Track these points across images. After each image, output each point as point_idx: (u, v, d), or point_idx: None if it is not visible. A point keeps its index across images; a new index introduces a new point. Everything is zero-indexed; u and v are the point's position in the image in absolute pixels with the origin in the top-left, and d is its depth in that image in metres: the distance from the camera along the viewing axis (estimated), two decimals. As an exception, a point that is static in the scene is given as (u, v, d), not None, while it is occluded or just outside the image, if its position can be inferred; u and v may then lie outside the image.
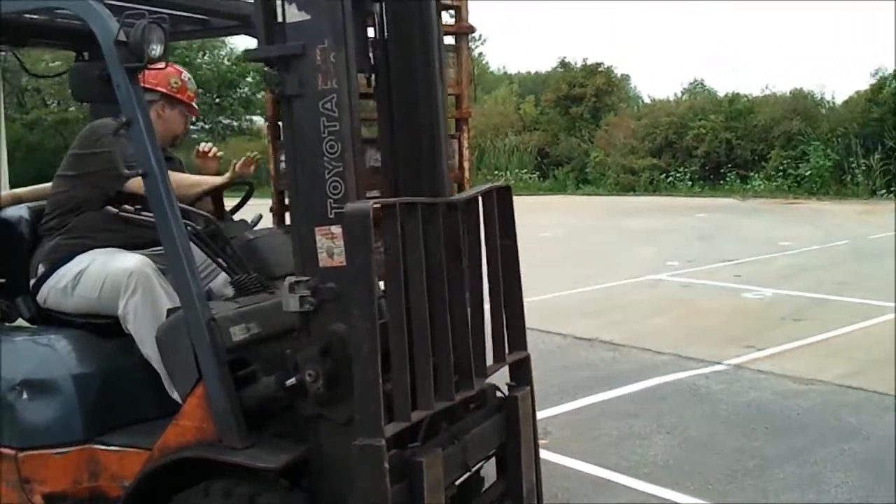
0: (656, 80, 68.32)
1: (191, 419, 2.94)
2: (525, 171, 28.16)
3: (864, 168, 22.36)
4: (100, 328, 3.39)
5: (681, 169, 25.65)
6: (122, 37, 2.84)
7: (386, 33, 3.05)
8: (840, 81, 52.38)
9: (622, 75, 33.60)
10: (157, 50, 2.88)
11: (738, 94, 27.37)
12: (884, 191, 22.03)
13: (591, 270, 11.70)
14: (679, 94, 30.21)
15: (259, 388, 2.91)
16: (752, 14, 49.98)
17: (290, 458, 2.79)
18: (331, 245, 2.75)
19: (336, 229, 2.74)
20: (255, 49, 2.88)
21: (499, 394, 3.30)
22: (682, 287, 10.62)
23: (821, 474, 4.70)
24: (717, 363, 6.92)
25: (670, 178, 25.64)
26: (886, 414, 5.56)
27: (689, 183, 25.25)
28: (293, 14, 2.73)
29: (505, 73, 35.94)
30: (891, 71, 24.02)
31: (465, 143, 5.68)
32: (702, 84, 30.91)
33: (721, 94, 28.49)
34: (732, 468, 4.84)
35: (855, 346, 7.35)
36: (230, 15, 3.73)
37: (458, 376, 2.91)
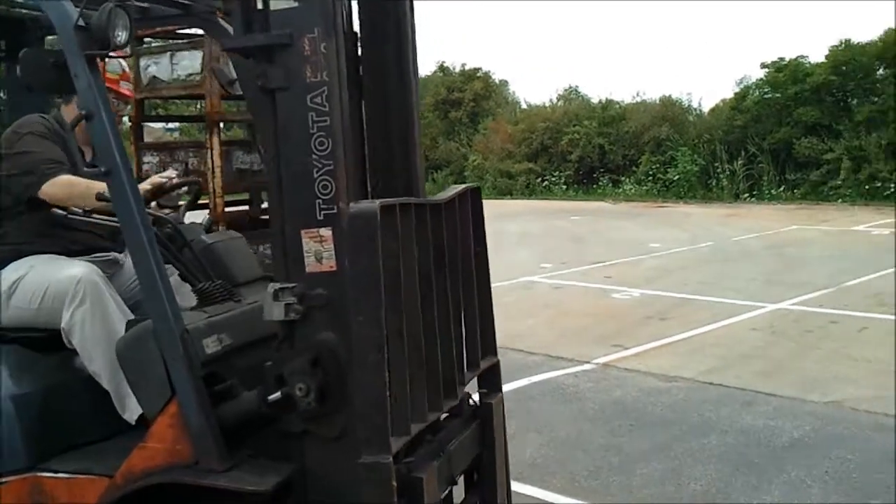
0: (533, 85, 69.49)
1: (161, 440, 2.65)
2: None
3: (728, 173, 23.36)
4: (35, 342, 3.07)
5: (556, 173, 26.22)
6: (81, 21, 2.60)
7: (358, 29, 2.86)
8: (707, 89, 54.42)
9: (500, 80, 34.09)
10: (122, 36, 2.63)
11: (610, 100, 28.20)
12: (746, 194, 23.06)
13: (467, 273, 11.74)
14: (554, 100, 30.84)
15: (238, 404, 2.68)
16: (625, 22, 51.52)
17: (279, 479, 2.55)
18: (319, 249, 2.53)
19: (325, 232, 2.53)
20: (232, 38, 2.64)
21: (471, 401, 3.11)
22: (555, 288, 10.81)
23: (681, 468, 4.83)
24: (586, 362, 7.08)
25: (546, 182, 26.20)
26: (744, 408, 5.78)
27: (564, 187, 25.85)
28: (278, 2, 2.52)
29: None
30: (754, 80, 25.15)
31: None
32: (576, 91, 31.66)
33: (595, 100, 29.28)
34: (598, 465, 4.94)
35: (716, 343, 7.61)
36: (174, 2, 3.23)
37: (443, 385, 2.76)
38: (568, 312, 9.26)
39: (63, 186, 3.07)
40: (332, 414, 2.55)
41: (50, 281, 3.01)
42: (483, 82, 31.18)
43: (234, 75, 2.99)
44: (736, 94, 25.49)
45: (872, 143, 21.52)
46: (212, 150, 5.08)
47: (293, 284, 2.53)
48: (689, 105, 27.19)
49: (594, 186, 25.66)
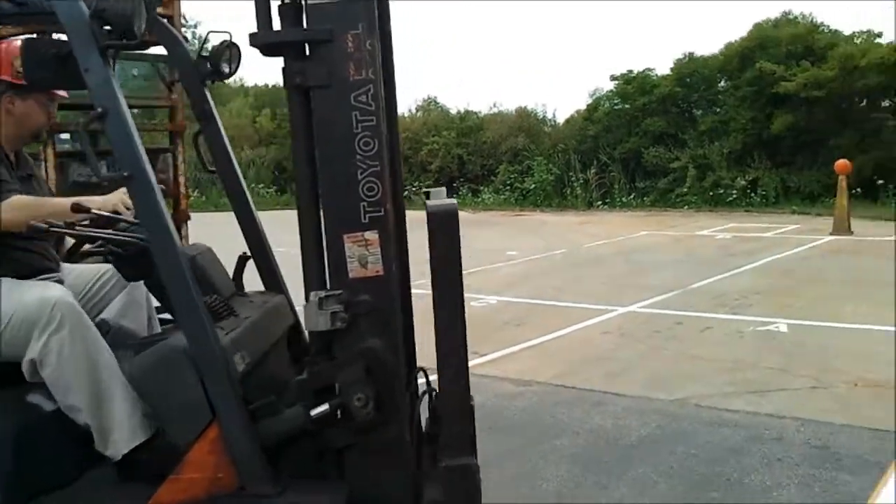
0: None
1: (200, 469, 2.41)
2: (262, 185, 27.82)
3: (581, 181, 24.08)
4: None
5: (416, 183, 26.33)
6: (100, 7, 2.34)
7: None
8: (563, 101, 55.89)
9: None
10: (142, 27, 2.40)
11: (469, 111, 28.63)
12: (599, 202, 23.83)
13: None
14: (414, 111, 31.06)
15: (280, 422, 2.49)
16: (483, 34, 52.37)
17: (341, 499, 2.42)
18: (364, 253, 2.47)
19: (371, 235, 2.46)
20: (262, 33, 2.46)
21: None
22: (415, 298, 10.80)
23: (535, 470, 4.90)
24: (443, 370, 7.07)
25: (406, 192, 26.23)
26: (594, 409, 5.91)
27: (425, 196, 25.95)
28: None
29: (241, 85, 35.22)
30: (605, 91, 26.05)
31: (181, 158, 5.47)
32: (435, 101, 31.98)
33: (453, 111, 29.66)
34: (453, 471, 4.94)
35: (568, 347, 7.78)
36: None
37: None
38: (426, 321, 9.22)
39: (21, 209, 2.71)
40: (384, 424, 2.47)
41: (16, 306, 2.63)
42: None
43: (172, 77, 2.85)
44: (588, 105, 26.33)
45: (715, 152, 22.67)
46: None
47: (338, 291, 2.44)
48: (544, 116, 27.92)
49: (454, 196, 25.93)
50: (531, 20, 54.22)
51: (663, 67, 25.01)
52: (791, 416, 5.53)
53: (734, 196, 21.94)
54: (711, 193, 22.43)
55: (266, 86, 35.03)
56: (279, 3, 2.47)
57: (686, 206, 22.37)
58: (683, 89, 24.17)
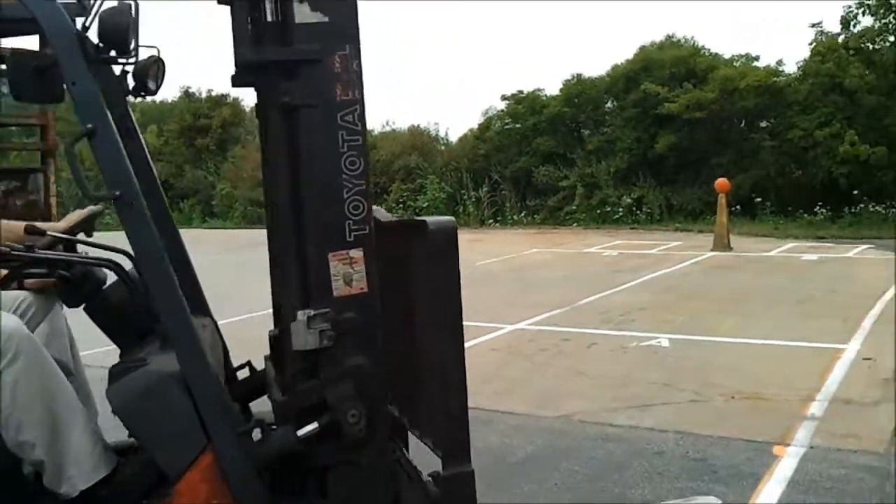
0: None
1: (193, 497, 2.34)
2: (149, 203, 27.12)
3: (474, 199, 24.31)
4: None
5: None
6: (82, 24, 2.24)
7: None
8: (455, 119, 56.45)
9: (250, 107, 33.58)
10: (133, 42, 2.30)
11: (361, 129, 28.53)
12: (491, 220, 24.10)
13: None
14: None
15: (271, 443, 2.43)
16: (375, 51, 52.37)
17: None
18: (349, 271, 2.46)
19: (356, 253, 2.46)
20: (249, 50, 2.43)
21: None
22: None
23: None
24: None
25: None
26: (483, 428, 5.88)
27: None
28: (305, 14, 2.36)
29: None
30: (497, 111, 26.40)
31: (52, 178, 5.25)
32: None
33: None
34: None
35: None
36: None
37: None
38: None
39: None
40: (372, 440, 2.49)
41: None
42: (232, 109, 30.59)
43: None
44: (480, 124, 26.64)
45: (602, 171, 23.24)
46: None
47: (325, 310, 2.42)
48: (437, 134, 28.10)
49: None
50: (425, 38, 54.66)
51: (553, 88, 25.58)
52: (672, 429, 5.66)
53: (620, 214, 22.54)
54: (599, 211, 22.98)
55: (153, 101, 34.26)
56: (260, 21, 2.45)
57: (575, 224, 22.85)
58: (572, 109, 24.72)
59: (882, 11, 21.30)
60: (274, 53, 2.43)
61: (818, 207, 20.61)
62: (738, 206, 20.68)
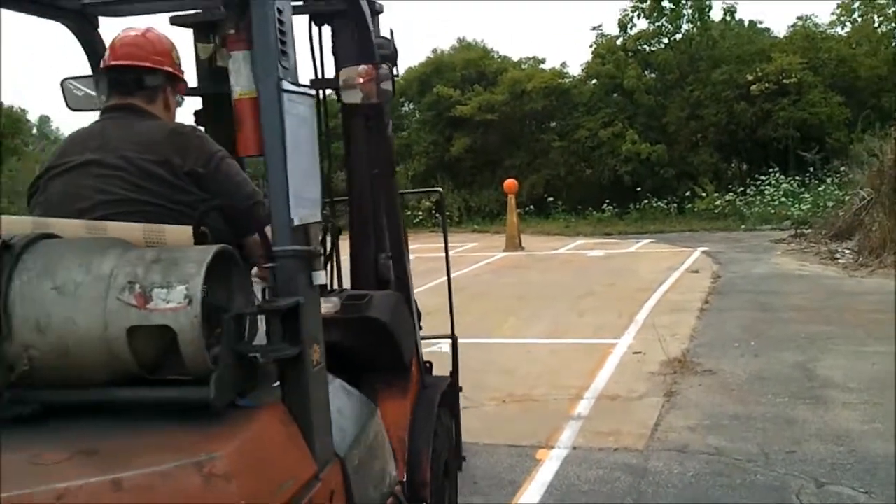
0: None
1: (413, 374, 3.51)
2: None
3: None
4: None
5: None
6: None
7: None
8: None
9: (41, 117, 31.63)
10: None
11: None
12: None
13: None
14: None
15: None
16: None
17: None
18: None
19: None
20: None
21: None
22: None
23: None
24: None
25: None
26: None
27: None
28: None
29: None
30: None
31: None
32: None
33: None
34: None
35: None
36: None
37: None
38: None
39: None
40: None
41: None
42: (8, 118, 28.51)
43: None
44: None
45: (401, 175, 23.13)
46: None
47: None
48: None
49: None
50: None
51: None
52: (439, 440, 5.50)
53: (421, 217, 22.55)
54: (399, 215, 22.92)
55: None
56: None
57: (375, 228, 22.67)
58: (369, 112, 24.53)
59: (655, 15, 22.41)
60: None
61: (605, 205, 21.40)
62: (531, 206, 21.17)
